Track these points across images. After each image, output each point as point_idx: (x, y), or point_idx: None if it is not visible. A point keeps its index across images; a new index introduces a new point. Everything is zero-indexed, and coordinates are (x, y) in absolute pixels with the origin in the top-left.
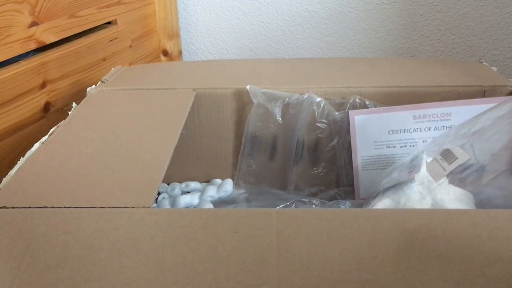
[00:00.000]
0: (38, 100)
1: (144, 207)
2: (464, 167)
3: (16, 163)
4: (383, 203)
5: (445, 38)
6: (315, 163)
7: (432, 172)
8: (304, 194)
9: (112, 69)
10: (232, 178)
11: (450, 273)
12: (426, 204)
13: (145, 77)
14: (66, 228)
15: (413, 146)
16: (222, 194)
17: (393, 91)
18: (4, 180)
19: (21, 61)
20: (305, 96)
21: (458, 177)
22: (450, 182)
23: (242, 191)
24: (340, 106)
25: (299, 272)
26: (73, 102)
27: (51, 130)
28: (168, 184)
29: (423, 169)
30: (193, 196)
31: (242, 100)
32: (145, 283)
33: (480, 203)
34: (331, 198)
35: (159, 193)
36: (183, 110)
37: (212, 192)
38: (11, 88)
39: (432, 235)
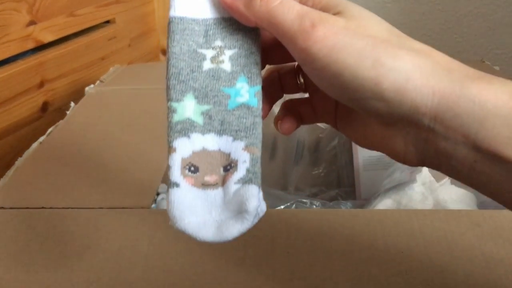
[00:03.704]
0: (36, 99)
1: (143, 207)
2: None
3: (14, 163)
4: (384, 204)
5: (447, 37)
6: (316, 163)
7: (433, 172)
8: (305, 194)
9: (111, 68)
10: None
11: (450, 274)
12: (428, 205)
13: (144, 76)
14: (64, 229)
15: None
16: None
17: None
18: (2, 180)
19: (19, 60)
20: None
21: None
22: (452, 182)
23: None
24: None
25: (299, 272)
26: (71, 102)
27: (49, 130)
28: (166, 184)
29: (425, 169)
30: None
31: None
32: (144, 284)
33: (482, 204)
34: (332, 199)
35: (158, 194)
36: None
37: None
38: (9, 88)
39: (434, 236)
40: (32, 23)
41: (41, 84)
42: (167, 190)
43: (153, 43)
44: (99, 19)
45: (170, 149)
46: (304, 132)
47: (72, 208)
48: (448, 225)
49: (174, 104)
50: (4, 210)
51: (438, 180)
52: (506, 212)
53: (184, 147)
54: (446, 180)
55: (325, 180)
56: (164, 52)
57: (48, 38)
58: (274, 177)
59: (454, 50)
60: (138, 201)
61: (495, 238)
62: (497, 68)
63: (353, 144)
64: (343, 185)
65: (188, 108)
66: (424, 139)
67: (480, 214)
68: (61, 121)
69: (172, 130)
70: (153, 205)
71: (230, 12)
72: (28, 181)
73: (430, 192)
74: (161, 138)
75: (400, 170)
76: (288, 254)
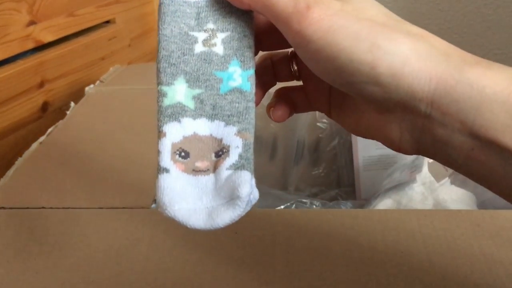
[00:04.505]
0: (36, 99)
1: (143, 207)
2: None
3: (14, 163)
4: (384, 204)
5: (447, 37)
6: (316, 163)
7: (433, 172)
8: (305, 194)
9: (111, 68)
10: None
11: (450, 274)
12: (428, 205)
13: (144, 76)
14: (64, 229)
15: None
16: None
17: None
18: (2, 180)
19: (19, 60)
20: (299, 83)
21: (460, 178)
22: (452, 182)
23: None
24: None
25: (299, 272)
26: (71, 102)
27: (49, 130)
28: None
29: (425, 169)
30: None
31: None
32: (144, 284)
33: (482, 204)
34: (332, 199)
35: None
36: None
37: None
38: (9, 88)
39: (433, 236)
40: (32, 23)
41: (41, 84)
42: (156, 176)
43: (153, 43)
44: (99, 19)
45: (159, 134)
46: (304, 132)
47: (72, 208)
48: (448, 225)
49: (165, 88)
50: (4, 210)
51: (438, 180)
52: (506, 212)
53: (175, 132)
54: (446, 180)
55: (325, 180)
56: None
57: (48, 38)
58: (274, 177)
59: None
60: (138, 201)
61: (495, 238)
62: None
63: (353, 144)
64: (343, 185)
65: (179, 92)
66: (420, 126)
67: (480, 214)
68: (61, 121)
69: (162, 114)
70: (153, 205)
71: None
72: (28, 181)
73: (430, 192)
74: None
75: (400, 170)
76: (288, 254)
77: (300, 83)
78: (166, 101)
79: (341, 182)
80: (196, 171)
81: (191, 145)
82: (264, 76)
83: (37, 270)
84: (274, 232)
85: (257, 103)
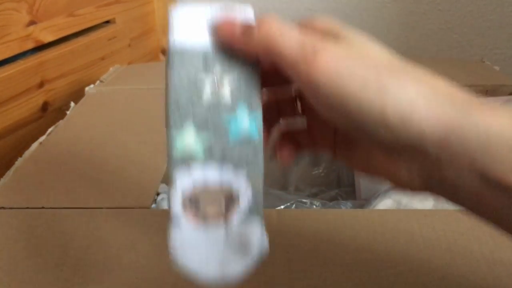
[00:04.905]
0: (36, 99)
1: (143, 207)
2: None
3: (14, 163)
4: (384, 204)
5: (447, 37)
6: (316, 163)
7: None
8: (305, 194)
9: (111, 68)
10: None
11: (450, 274)
12: (428, 205)
13: (144, 76)
14: (64, 229)
15: None
16: None
17: None
18: (2, 180)
19: (19, 60)
20: (303, 121)
21: None
22: None
23: None
24: None
25: (299, 272)
26: (71, 102)
27: (49, 130)
28: (167, 185)
29: None
30: None
31: None
32: (144, 284)
33: None
34: (332, 199)
35: (158, 194)
36: None
37: None
38: (9, 88)
39: (433, 236)
40: (32, 23)
41: (41, 84)
42: (168, 226)
43: (153, 43)
44: (99, 19)
45: (170, 181)
46: None
47: (72, 208)
48: (448, 225)
49: (174, 133)
50: (4, 210)
51: None
52: None
53: (185, 179)
54: None
55: (325, 180)
56: (164, 52)
57: (48, 38)
58: (274, 177)
59: (454, 50)
60: (138, 201)
61: (495, 238)
62: (497, 68)
63: None
64: (343, 185)
65: (188, 137)
66: (428, 167)
67: None
68: (61, 121)
69: (172, 160)
70: (153, 205)
71: (229, 46)
72: (28, 181)
73: None
74: (161, 138)
75: None
76: (288, 254)
77: (304, 120)
78: (176, 146)
79: (341, 182)
80: (206, 219)
81: (201, 192)
82: (268, 114)
83: (37, 270)
84: (274, 232)
85: (265, 144)
